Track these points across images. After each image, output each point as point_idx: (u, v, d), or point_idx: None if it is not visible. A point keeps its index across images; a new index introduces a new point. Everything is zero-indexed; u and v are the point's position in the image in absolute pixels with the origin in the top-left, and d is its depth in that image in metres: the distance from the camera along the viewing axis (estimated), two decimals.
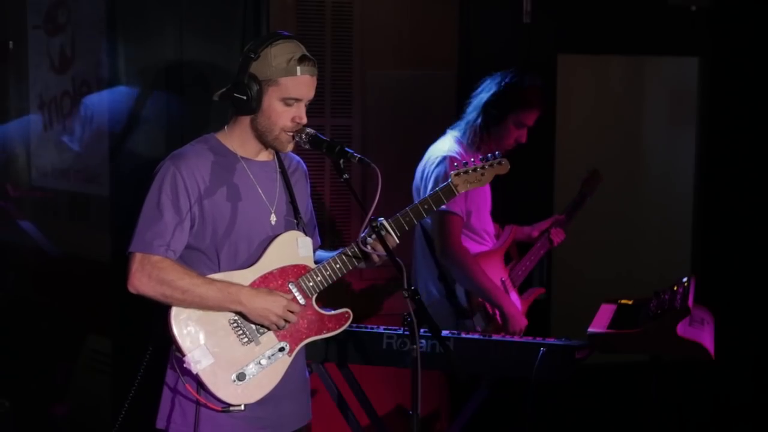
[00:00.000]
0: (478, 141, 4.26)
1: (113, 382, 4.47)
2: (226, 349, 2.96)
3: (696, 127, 5.86)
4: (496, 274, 4.34)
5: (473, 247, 4.32)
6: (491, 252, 4.39)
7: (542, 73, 5.19)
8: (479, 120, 4.25)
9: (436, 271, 4.29)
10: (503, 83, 4.26)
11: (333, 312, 3.10)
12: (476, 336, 3.79)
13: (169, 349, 3.02)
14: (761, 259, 5.58)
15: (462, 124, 4.32)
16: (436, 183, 4.15)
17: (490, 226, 4.44)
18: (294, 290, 3.03)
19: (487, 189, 4.36)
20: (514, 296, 4.40)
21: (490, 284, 4.21)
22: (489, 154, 3.26)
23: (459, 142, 4.29)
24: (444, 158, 4.20)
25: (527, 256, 4.53)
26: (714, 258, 5.70)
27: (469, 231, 4.32)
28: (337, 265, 3.07)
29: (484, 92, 4.29)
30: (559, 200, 5.39)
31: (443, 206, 4.10)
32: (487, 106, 4.24)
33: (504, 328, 4.23)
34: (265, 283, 3.01)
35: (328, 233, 4.86)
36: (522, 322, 4.23)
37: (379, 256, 3.05)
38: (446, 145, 4.29)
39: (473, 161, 3.22)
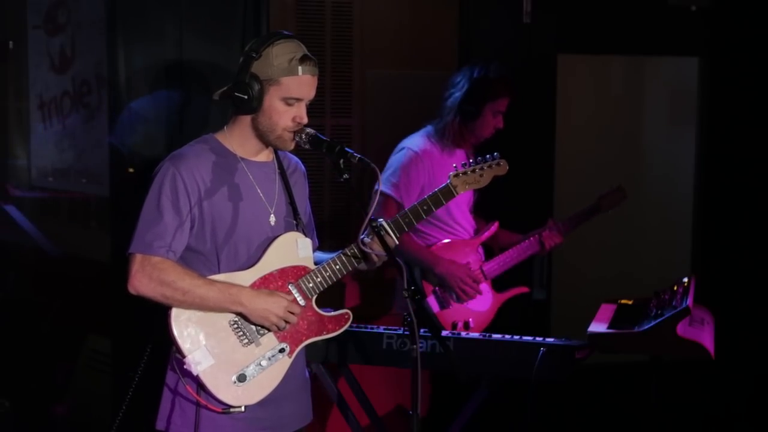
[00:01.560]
0: (458, 139, 4.38)
1: (113, 382, 4.46)
2: (227, 351, 2.96)
3: (696, 127, 5.87)
4: (462, 260, 4.38)
5: (442, 236, 4.39)
6: (464, 241, 4.44)
7: (542, 73, 5.23)
8: (457, 119, 4.35)
9: None
10: (472, 78, 4.36)
11: (333, 313, 3.10)
12: (476, 336, 3.79)
13: (169, 350, 3.02)
14: (761, 259, 5.58)
15: (438, 122, 4.41)
16: (387, 169, 4.31)
17: (465, 220, 4.49)
18: (294, 291, 3.03)
19: None
20: (484, 287, 4.42)
21: (417, 248, 4.27)
22: (488, 155, 3.26)
23: (429, 137, 4.39)
24: (403, 149, 4.35)
25: (508, 252, 4.50)
26: (714, 258, 5.70)
27: (435, 220, 4.37)
28: (337, 266, 3.07)
29: (457, 91, 4.37)
30: (559, 200, 5.40)
31: (381, 187, 4.15)
32: (462, 104, 4.34)
33: (456, 298, 4.30)
34: (265, 284, 3.00)
35: (328, 233, 4.86)
36: (461, 273, 4.28)
37: (378, 256, 3.05)
38: (414, 138, 4.40)
39: (472, 162, 3.23)
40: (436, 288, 4.34)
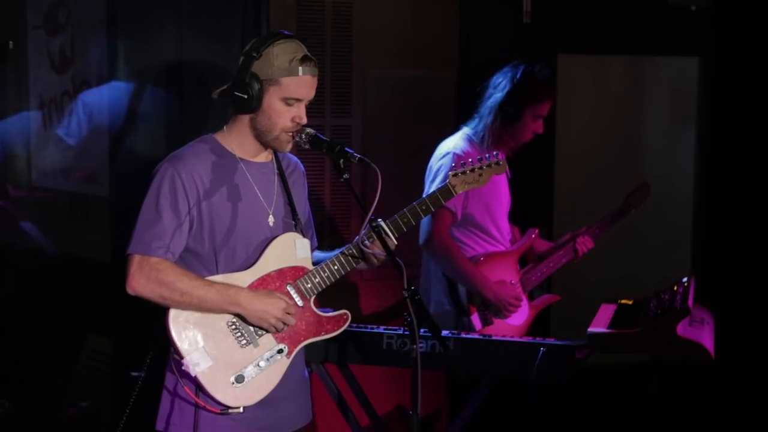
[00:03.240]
0: (497, 142, 4.25)
1: (113, 382, 4.46)
2: (225, 352, 2.96)
3: (696, 127, 5.86)
4: (506, 276, 4.32)
5: (481, 246, 4.32)
6: (504, 253, 4.36)
7: None
8: (497, 121, 4.24)
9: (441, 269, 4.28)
10: (515, 80, 4.26)
11: (331, 313, 3.10)
12: (476, 336, 3.79)
13: (168, 351, 3.02)
14: (761, 259, 5.58)
15: (477, 124, 4.30)
16: (436, 176, 4.20)
17: (504, 228, 4.41)
18: (292, 292, 3.03)
19: (503, 190, 4.35)
20: (522, 301, 4.35)
21: (468, 268, 4.18)
22: (486, 155, 3.27)
23: (470, 140, 4.28)
24: (448, 154, 4.22)
25: (545, 263, 4.43)
26: (714, 258, 5.70)
27: (476, 229, 4.31)
28: (336, 267, 3.07)
29: (498, 92, 4.27)
30: (559, 200, 5.39)
31: None
32: (503, 106, 4.24)
33: (499, 314, 4.23)
34: (263, 285, 3.00)
35: (328, 233, 4.86)
36: (507, 295, 4.21)
37: (377, 257, 3.05)
38: (454, 141, 4.30)
39: (471, 162, 3.23)
40: (480, 307, 4.26)
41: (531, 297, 4.46)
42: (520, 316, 4.36)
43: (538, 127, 4.30)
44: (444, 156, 4.23)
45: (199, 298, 2.92)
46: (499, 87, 4.28)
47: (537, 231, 4.45)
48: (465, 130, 4.33)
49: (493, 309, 4.24)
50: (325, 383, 3.86)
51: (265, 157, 3.09)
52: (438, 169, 4.21)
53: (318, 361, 3.77)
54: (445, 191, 3.19)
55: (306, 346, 3.09)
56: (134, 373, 3.10)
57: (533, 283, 4.42)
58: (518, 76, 4.26)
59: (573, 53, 5.42)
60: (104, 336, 4.57)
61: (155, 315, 2.97)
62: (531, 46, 5.15)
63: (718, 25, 5.62)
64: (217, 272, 2.99)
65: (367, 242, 3.04)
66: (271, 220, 3.06)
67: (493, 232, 4.35)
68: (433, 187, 4.10)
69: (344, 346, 3.75)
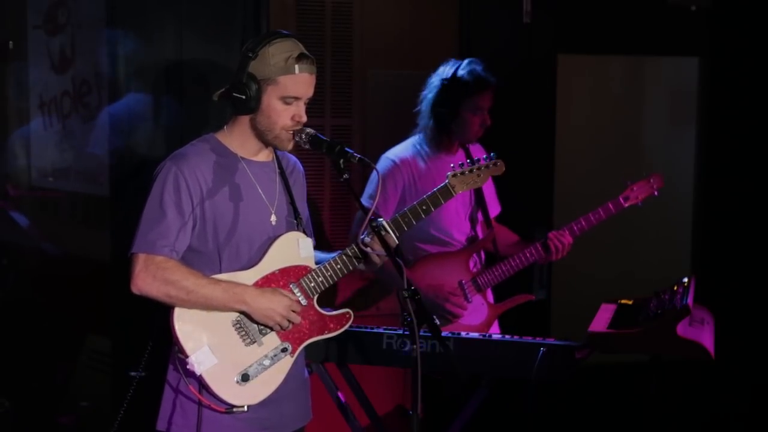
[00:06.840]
0: (439, 142, 4.23)
1: (113, 382, 4.47)
2: (230, 350, 2.96)
3: (696, 127, 5.86)
4: (454, 276, 4.25)
5: (431, 250, 4.27)
6: (453, 253, 4.29)
7: (542, 73, 5.22)
8: (432, 122, 4.21)
9: None
10: (443, 79, 4.21)
11: (334, 312, 3.10)
12: (476, 336, 3.79)
13: (169, 349, 3.02)
14: (761, 259, 5.58)
15: (419, 129, 4.28)
16: (369, 181, 4.20)
17: (457, 230, 4.33)
18: (296, 291, 3.03)
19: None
20: (477, 300, 4.28)
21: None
22: (484, 156, 3.29)
23: (414, 147, 4.27)
24: (382, 158, 4.25)
25: (507, 261, 4.26)
26: (714, 258, 5.70)
27: (422, 234, 4.22)
28: (338, 266, 3.07)
29: (429, 93, 4.24)
30: (559, 200, 5.39)
31: (361, 199, 4.10)
32: (435, 107, 4.20)
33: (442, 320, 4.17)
34: (267, 283, 3.01)
35: (328, 233, 4.86)
36: (439, 299, 4.14)
37: (379, 256, 3.06)
38: (399, 147, 4.30)
39: (469, 162, 3.24)
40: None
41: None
42: (477, 316, 4.29)
43: (484, 119, 4.20)
44: (379, 161, 4.24)
45: (205, 296, 2.92)
46: (430, 87, 4.25)
47: (493, 232, 4.34)
48: (414, 137, 4.30)
49: (433, 312, 4.16)
50: (325, 383, 3.86)
51: (266, 156, 3.09)
52: (371, 174, 4.20)
53: (318, 361, 3.77)
54: (445, 191, 3.20)
55: (306, 346, 3.09)
56: (133, 373, 3.09)
57: (490, 282, 4.28)
58: (446, 74, 4.21)
59: (573, 53, 5.42)
60: (104, 336, 4.57)
61: (155, 314, 2.97)
62: (531, 45, 5.16)
63: (718, 25, 5.62)
64: (220, 271, 2.99)
65: (367, 239, 3.04)
66: (273, 219, 3.07)
67: (442, 235, 4.28)
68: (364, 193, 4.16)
69: (344, 346, 3.75)
